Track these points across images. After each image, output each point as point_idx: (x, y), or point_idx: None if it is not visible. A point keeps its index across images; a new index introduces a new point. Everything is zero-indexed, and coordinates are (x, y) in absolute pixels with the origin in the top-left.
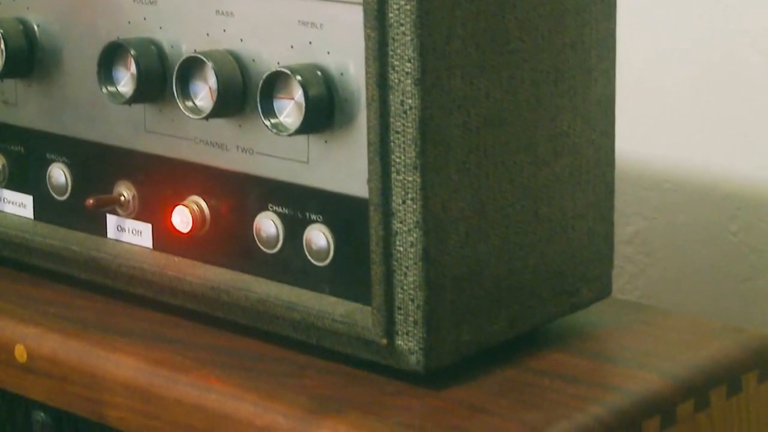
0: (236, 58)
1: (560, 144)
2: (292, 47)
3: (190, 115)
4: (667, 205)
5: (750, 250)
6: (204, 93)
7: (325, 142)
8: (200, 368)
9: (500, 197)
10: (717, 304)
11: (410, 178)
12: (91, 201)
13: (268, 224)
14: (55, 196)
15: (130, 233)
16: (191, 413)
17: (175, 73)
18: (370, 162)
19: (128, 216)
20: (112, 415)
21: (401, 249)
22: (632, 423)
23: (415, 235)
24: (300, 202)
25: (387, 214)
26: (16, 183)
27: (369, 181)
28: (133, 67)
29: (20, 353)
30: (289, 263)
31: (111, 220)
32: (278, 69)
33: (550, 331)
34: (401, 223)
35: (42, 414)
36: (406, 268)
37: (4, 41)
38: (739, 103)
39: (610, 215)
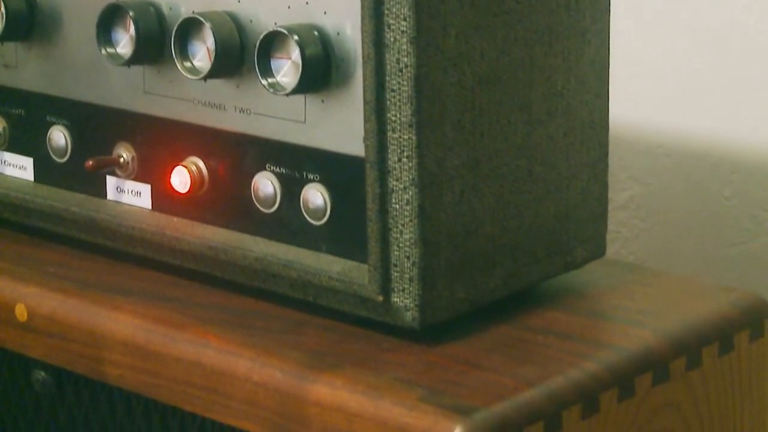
0: (234, 18)
1: (554, 104)
2: (289, 7)
3: (189, 76)
4: (661, 171)
5: (743, 215)
6: (202, 54)
7: (322, 101)
8: (199, 326)
9: (495, 156)
10: (711, 269)
11: (406, 136)
12: (90, 162)
13: (265, 184)
14: (55, 159)
15: (129, 194)
16: (190, 370)
17: (173, 34)
18: (366, 120)
19: (127, 177)
20: (111, 372)
21: (397, 206)
22: (625, 379)
23: (410, 192)
24: (297, 162)
25: (383, 172)
26: (16, 145)
27: (365, 139)
28: (131, 29)
29: (21, 312)
30: (287, 222)
31: (110, 181)
32: (275, 29)
33: (545, 290)
34: (397, 180)
35: (42, 372)
36: (402, 225)
37: (4, 4)
38: (732, 67)
39: (604, 176)
